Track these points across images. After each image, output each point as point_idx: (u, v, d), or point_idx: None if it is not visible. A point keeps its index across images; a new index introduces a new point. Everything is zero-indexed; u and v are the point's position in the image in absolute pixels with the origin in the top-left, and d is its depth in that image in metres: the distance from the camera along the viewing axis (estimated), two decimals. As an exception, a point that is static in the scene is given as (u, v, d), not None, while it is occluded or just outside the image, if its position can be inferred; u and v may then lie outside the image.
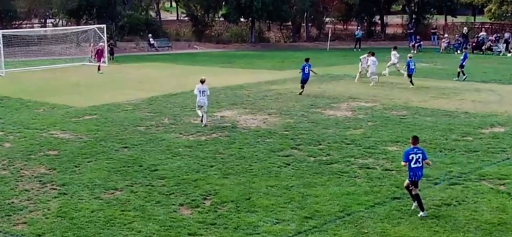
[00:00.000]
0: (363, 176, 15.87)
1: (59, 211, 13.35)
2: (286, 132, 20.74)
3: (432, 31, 60.21)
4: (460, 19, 64.76)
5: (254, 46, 58.41)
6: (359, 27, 60.93)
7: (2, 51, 37.09)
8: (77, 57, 43.77)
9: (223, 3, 61.48)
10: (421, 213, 13.03)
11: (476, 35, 53.77)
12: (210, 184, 15.17)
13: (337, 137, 19.92)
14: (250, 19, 60.08)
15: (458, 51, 50.04)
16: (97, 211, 13.36)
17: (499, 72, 37.21)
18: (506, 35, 51.59)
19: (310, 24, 64.59)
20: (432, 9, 63.86)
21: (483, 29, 57.25)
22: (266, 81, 32.88)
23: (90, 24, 48.61)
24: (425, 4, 62.92)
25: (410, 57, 31.63)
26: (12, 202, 13.93)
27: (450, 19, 66.66)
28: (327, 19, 66.61)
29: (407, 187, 13.37)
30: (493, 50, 50.34)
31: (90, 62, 41.43)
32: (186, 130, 21.06)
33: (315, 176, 15.76)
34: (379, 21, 67.40)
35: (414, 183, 13.14)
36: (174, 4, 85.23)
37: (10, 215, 13.14)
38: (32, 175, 15.92)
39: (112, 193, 14.61)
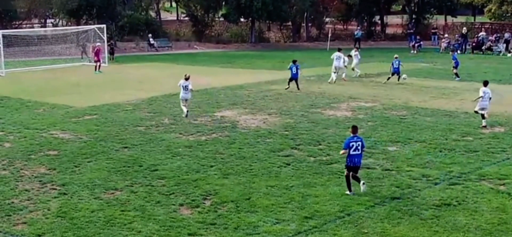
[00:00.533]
0: (363, 176, 15.83)
1: (59, 211, 13.35)
2: (286, 132, 20.74)
3: (433, 31, 60.19)
4: (460, 19, 64.77)
5: (254, 46, 58.40)
6: (358, 27, 60.92)
7: (2, 51, 37.10)
8: (77, 57, 43.84)
9: (223, 3, 61.45)
10: (347, 191, 14.25)
11: (476, 35, 53.77)
12: (210, 184, 15.17)
13: (337, 137, 19.92)
14: (250, 19, 60.06)
15: (458, 51, 50.09)
16: (97, 211, 13.36)
17: (499, 72, 37.22)
18: (506, 35, 51.57)
19: (310, 24, 64.58)
20: (432, 9, 63.85)
21: (483, 29, 57.26)
22: (266, 81, 32.88)
23: (90, 24, 48.60)
24: (425, 4, 62.92)
25: (396, 57, 32.71)
26: (12, 202, 13.93)
27: (450, 19, 66.67)
28: (327, 19, 66.60)
29: (347, 177, 14.44)
30: (493, 50, 50.32)
31: (90, 62, 41.44)
32: (186, 130, 21.06)
33: (315, 176, 15.76)
34: (379, 21, 67.39)
35: (350, 169, 14.32)
36: (174, 4, 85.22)
37: (10, 215, 13.14)
38: (32, 175, 15.92)
39: (112, 193, 14.61)
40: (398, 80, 31.69)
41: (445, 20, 67.20)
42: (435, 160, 17.30)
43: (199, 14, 61.38)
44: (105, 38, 42.43)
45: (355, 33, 56.99)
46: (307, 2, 58.56)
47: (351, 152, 14.24)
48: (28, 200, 14.08)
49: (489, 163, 17.03)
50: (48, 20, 59.05)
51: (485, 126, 21.18)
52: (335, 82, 31.73)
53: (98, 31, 42.48)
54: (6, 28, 46.05)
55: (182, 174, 16.01)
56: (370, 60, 43.14)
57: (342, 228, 12.51)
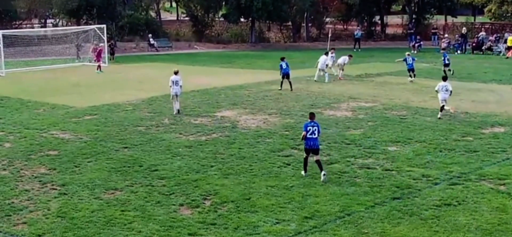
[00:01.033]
0: (363, 176, 15.87)
1: (59, 211, 13.36)
2: (286, 132, 20.74)
3: (433, 31, 60.17)
4: (460, 19, 64.76)
5: (254, 46, 58.38)
6: (358, 27, 60.88)
7: (2, 51, 37.10)
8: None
9: (223, 3, 61.40)
10: (303, 172, 15.73)
11: (476, 35, 53.75)
12: (210, 184, 15.17)
13: (337, 137, 19.92)
14: (250, 19, 60.03)
15: (458, 51, 50.08)
16: (97, 211, 13.37)
17: (499, 72, 37.19)
18: (506, 35, 51.55)
19: (310, 24, 64.55)
20: (432, 9, 63.78)
21: (483, 29, 57.24)
22: (266, 81, 32.88)
23: (90, 24, 48.59)
24: (425, 4, 62.87)
25: (408, 54, 33.78)
26: (12, 202, 13.93)
27: (450, 19, 66.65)
28: (327, 19, 66.58)
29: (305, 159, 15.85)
30: (493, 50, 50.30)
31: (90, 61, 41.45)
32: (186, 130, 21.06)
33: (315, 176, 15.75)
34: (379, 21, 67.37)
35: (308, 151, 15.71)
36: (174, 4, 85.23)
37: (10, 215, 13.15)
38: (32, 175, 15.92)
39: (112, 193, 14.62)
40: (412, 77, 32.21)
41: (445, 20, 67.19)
42: (435, 160, 17.30)
43: (199, 14, 61.37)
44: (105, 38, 42.43)
45: (355, 33, 56.93)
46: (307, 2, 58.53)
47: (308, 136, 15.62)
48: (28, 200, 14.09)
49: (489, 163, 17.03)
50: (48, 20, 59.09)
51: (440, 118, 22.77)
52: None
53: (98, 31, 42.48)
54: (6, 28, 46.03)
55: (182, 174, 16.01)
56: (370, 60, 43.16)
57: (342, 228, 12.50)
